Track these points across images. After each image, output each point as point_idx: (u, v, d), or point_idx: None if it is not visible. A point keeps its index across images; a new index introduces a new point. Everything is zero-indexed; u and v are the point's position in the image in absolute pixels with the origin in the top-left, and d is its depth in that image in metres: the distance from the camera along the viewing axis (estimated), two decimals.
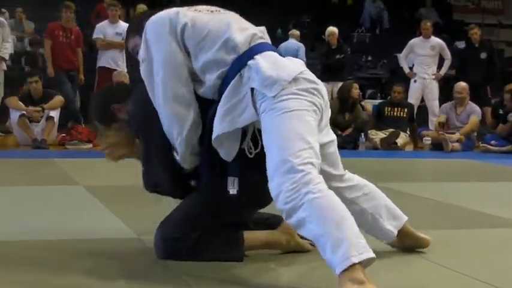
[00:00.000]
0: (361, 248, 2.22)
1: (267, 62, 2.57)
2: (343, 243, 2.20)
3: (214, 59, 2.61)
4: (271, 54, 2.65)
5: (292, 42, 12.12)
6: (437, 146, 9.47)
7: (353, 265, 2.18)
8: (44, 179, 5.60)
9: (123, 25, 10.68)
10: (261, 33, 2.74)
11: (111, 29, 10.46)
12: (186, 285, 2.49)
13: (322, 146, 2.60)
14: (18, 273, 2.59)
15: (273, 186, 2.39)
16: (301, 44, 12.02)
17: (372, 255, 2.23)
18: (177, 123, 2.65)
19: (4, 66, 9.96)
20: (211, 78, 2.62)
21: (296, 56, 11.53)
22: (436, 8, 17.04)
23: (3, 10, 12.81)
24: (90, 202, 4.37)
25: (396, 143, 9.48)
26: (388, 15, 17.12)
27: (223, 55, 2.60)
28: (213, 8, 2.79)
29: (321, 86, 2.63)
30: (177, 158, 2.71)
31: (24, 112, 8.54)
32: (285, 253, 2.94)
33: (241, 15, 2.84)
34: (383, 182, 5.82)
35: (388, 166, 7.74)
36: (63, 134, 8.88)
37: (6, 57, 10.05)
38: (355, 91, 9.73)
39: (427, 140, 9.77)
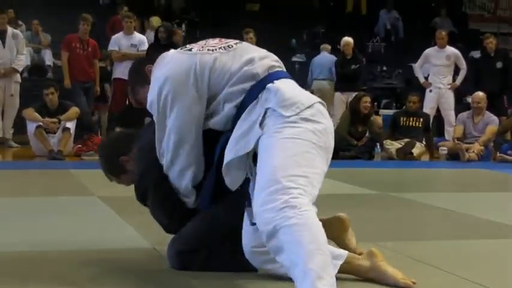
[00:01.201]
0: (328, 283, 2.13)
1: (287, 86, 2.57)
2: (310, 275, 2.12)
3: (234, 91, 2.59)
4: (290, 81, 2.65)
5: (326, 55, 12.12)
6: (454, 156, 9.42)
7: None
8: (59, 190, 5.63)
9: (138, 36, 10.76)
10: (278, 62, 2.72)
11: (126, 41, 10.51)
12: None
13: None
14: (34, 283, 2.60)
15: (256, 203, 2.31)
16: (334, 58, 12.00)
17: None
18: (185, 176, 2.69)
19: (19, 78, 10.03)
20: (228, 107, 2.60)
21: (331, 68, 11.60)
22: (451, 17, 17.00)
23: (20, 22, 12.91)
24: (105, 212, 4.39)
25: (412, 153, 9.43)
26: (402, 25, 17.10)
27: (243, 85, 2.59)
28: (225, 42, 2.74)
29: (330, 124, 2.58)
30: (185, 199, 2.76)
31: (41, 123, 8.60)
32: None
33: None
34: (398, 192, 5.83)
35: (404, 176, 7.71)
36: (79, 145, 8.93)
37: (20, 69, 10.10)
38: (365, 104, 9.66)
39: (443, 150, 9.72)
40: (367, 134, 9.69)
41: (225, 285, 2.64)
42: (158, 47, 9.73)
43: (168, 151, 2.65)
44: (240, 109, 2.56)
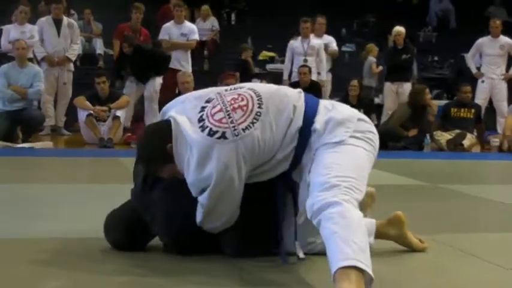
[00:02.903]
0: (368, 262, 2.13)
1: (324, 115, 2.62)
2: (354, 246, 2.13)
3: (285, 153, 2.60)
4: (321, 104, 2.70)
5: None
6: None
7: (356, 268, 2.09)
8: (109, 177, 5.69)
9: (189, 25, 10.79)
10: (299, 93, 2.72)
11: (176, 30, 10.56)
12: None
13: None
14: (81, 270, 2.64)
15: (310, 201, 2.36)
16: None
17: (373, 277, 2.13)
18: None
19: (71, 67, 10.19)
20: (282, 165, 2.62)
21: None
22: (505, 6, 16.64)
23: (72, 11, 13.10)
24: None
25: (462, 144, 9.29)
26: (455, 14, 16.81)
27: (292, 144, 2.59)
28: (241, 100, 2.61)
29: (377, 135, 2.67)
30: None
31: (92, 112, 8.71)
32: None
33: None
34: (448, 183, 5.75)
35: (454, 168, 7.60)
36: (129, 134, 9.02)
37: (73, 58, 10.26)
38: (427, 96, 9.56)
39: (495, 142, 9.55)
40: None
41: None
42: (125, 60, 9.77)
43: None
44: (293, 163, 2.62)
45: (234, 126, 2.51)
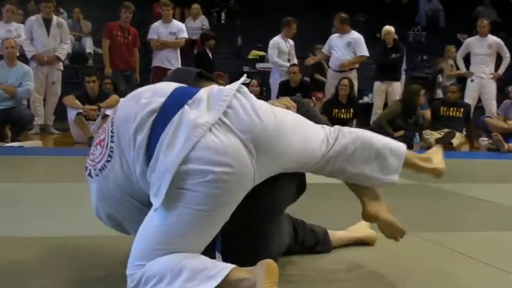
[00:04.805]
0: None
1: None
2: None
3: None
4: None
5: None
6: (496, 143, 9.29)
7: None
8: None
9: (177, 24, 10.81)
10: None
11: (164, 29, 10.58)
12: None
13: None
14: (71, 268, 2.64)
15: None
16: None
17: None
18: None
19: (61, 66, 10.16)
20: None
21: None
22: (494, 6, 16.72)
23: (61, 10, 13.06)
24: None
25: (451, 143, 9.33)
26: (444, 14, 16.87)
27: None
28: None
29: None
30: None
31: (81, 110, 8.69)
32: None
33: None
34: (437, 182, 5.76)
35: None
36: None
37: (63, 57, 10.24)
38: (422, 97, 9.65)
39: (483, 141, 9.60)
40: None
41: None
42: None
43: None
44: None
45: (94, 166, 2.33)
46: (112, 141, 2.26)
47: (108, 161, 2.27)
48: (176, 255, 2.08)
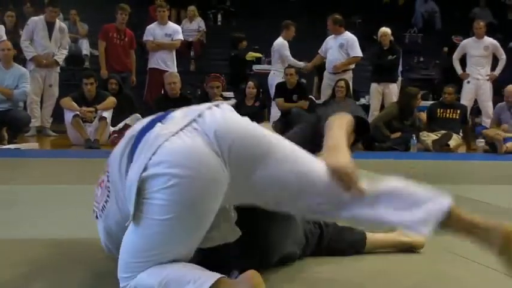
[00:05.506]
0: None
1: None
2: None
3: None
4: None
5: None
6: (491, 147, 9.30)
7: None
8: (95, 179, 5.65)
9: (172, 26, 10.81)
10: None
11: (160, 31, 10.58)
12: None
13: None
14: (66, 269, 2.63)
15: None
16: None
17: None
18: None
19: (58, 69, 10.17)
20: None
21: None
22: (490, 7, 16.74)
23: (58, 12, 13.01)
24: None
25: (448, 145, 9.34)
26: (440, 15, 16.89)
27: None
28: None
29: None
30: None
31: (78, 112, 8.68)
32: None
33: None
34: (433, 183, 5.76)
35: (439, 168, 7.63)
36: (115, 134, 9.00)
37: (61, 62, 10.26)
38: (419, 101, 9.69)
39: (480, 142, 9.61)
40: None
41: None
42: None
43: None
44: None
45: (97, 207, 2.39)
46: (108, 181, 2.31)
47: (106, 201, 2.31)
48: (163, 267, 2.06)
